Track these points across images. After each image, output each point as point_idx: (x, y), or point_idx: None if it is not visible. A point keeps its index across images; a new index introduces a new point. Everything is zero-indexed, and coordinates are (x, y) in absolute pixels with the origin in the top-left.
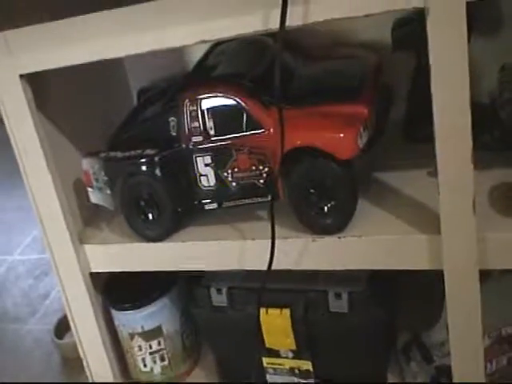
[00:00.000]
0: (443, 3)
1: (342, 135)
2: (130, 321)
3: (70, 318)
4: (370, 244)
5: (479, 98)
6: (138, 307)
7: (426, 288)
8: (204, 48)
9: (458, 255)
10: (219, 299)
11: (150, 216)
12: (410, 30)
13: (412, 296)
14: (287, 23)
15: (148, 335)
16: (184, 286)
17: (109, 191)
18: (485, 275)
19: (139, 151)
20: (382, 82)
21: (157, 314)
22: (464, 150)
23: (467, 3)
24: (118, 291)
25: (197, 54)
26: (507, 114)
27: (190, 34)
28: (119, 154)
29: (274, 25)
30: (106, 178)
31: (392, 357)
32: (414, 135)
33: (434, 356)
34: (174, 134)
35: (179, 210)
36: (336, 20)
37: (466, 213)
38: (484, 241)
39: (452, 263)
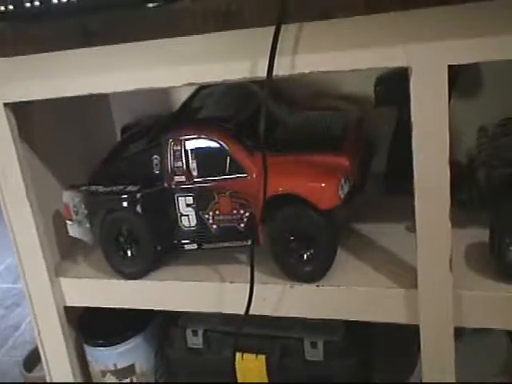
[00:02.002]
0: (426, 64)
1: (323, 185)
2: (102, 357)
3: (41, 351)
4: (347, 294)
5: (458, 158)
6: (112, 344)
7: (402, 340)
8: (190, 89)
9: (434, 311)
10: (195, 341)
11: (129, 253)
12: (393, 86)
13: (387, 347)
14: (274, 72)
15: (120, 373)
16: (160, 325)
17: (88, 225)
18: (457, 331)
19: (121, 187)
20: (364, 135)
21: (130, 352)
22: (442, 207)
23: (449, 65)
24: (92, 326)
25: (183, 94)
26: (484, 174)
27: (177, 76)
28: (101, 189)
29: (262, 73)
30: (85, 212)
31: None
32: (394, 188)
33: None
34: (157, 172)
35: (158, 248)
36: (322, 73)
37: (443, 269)
38: (460, 298)
39: (428, 319)
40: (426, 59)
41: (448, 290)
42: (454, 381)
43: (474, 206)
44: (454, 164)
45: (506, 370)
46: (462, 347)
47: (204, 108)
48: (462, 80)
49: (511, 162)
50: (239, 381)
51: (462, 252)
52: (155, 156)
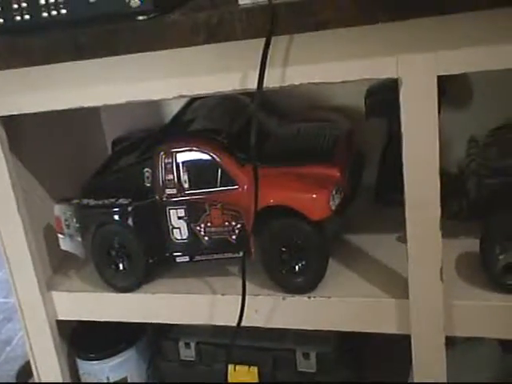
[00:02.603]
0: (415, 75)
1: (314, 196)
2: (95, 371)
3: (33, 365)
4: (339, 305)
5: (448, 168)
6: (105, 358)
7: (395, 350)
8: (182, 101)
9: (425, 321)
10: (187, 353)
11: (121, 266)
12: (383, 98)
13: (381, 357)
14: (265, 84)
15: None
16: (152, 338)
17: (80, 239)
18: (449, 341)
19: (112, 200)
20: (354, 147)
21: (123, 366)
22: (433, 218)
23: (438, 76)
24: (84, 340)
25: (174, 107)
26: (474, 184)
27: (168, 88)
28: (92, 202)
29: (252, 85)
30: (77, 225)
31: None
32: (385, 199)
33: None
34: (149, 185)
35: (150, 261)
36: (312, 84)
37: (434, 279)
38: (451, 308)
39: (419, 328)
40: (416, 70)
41: (439, 299)
42: None
43: (464, 216)
44: (444, 174)
45: (499, 379)
46: (454, 357)
47: (195, 120)
48: (451, 90)
49: (501, 172)
50: None
51: (452, 262)
52: (146, 169)
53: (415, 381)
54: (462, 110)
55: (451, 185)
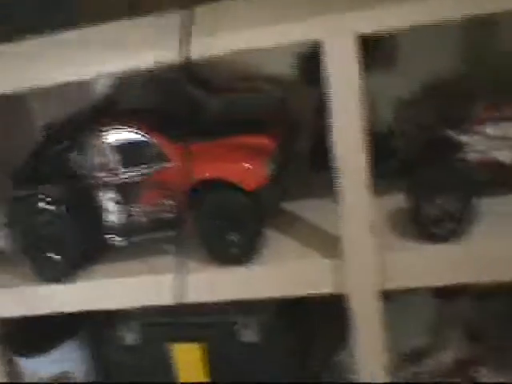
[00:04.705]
0: (336, 36)
1: (248, 166)
2: (35, 367)
3: None
4: (276, 272)
5: (378, 129)
6: (44, 352)
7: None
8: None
9: (359, 278)
10: (131, 338)
11: (55, 256)
12: (313, 65)
13: (324, 320)
14: (190, 56)
15: (55, 381)
16: (93, 327)
17: (9, 230)
18: (388, 294)
19: (43, 188)
20: (287, 115)
21: (64, 358)
22: (361, 177)
23: (362, 37)
24: (21, 336)
25: (103, 88)
26: (402, 143)
27: (88, 67)
28: (21, 192)
29: (177, 58)
30: (5, 218)
31: (306, 380)
32: (319, 165)
33: (345, 378)
34: (80, 169)
35: (86, 247)
36: (239, 52)
37: (365, 236)
38: (383, 262)
39: (354, 286)
40: (336, 31)
41: (371, 256)
42: (383, 345)
43: (394, 173)
44: (372, 134)
45: (435, 326)
46: (393, 309)
47: (124, 100)
48: (378, 52)
49: (427, 130)
50: (180, 372)
51: (384, 218)
52: (77, 153)
53: (354, 336)
54: (389, 71)
55: (380, 145)
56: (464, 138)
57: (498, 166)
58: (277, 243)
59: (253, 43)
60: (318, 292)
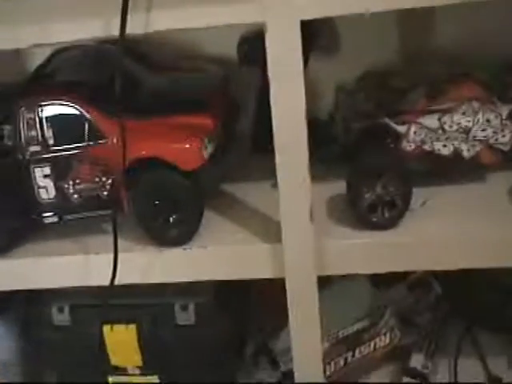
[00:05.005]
0: (279, 20)
1: (186, 146)
2: None
3: None
4: (215, 255)
5: (319, 115)
6: None
7: (274, 296)
8: (45, 54)
9: (297, 263)
10: (61, 318)
11: None
12: (256, 46)
13: (260, 304)
14: (129, 31)
15: None
16: (22, 307)
17: None
18: (326, 281)
19: None
20: (228, 95)
21: None
22: (301, 162)
23: (304, 22)
24: None
25: (38, 60)
26: (342, 129)
27: (23, 36)
28: None
29: (115, 31)
30: None
31: (241, 364)
32: (261, 147)
33: (280, 362)
34: (10, 143)
35: (16, 224)
36: (179, 30)
37: (304, 222)
38: (321, 248)
39: (292, 270)
40: (280, 14)
41: (309, 241)
42: (319, 329)
43: (334, 160)
44: (313, 121)
45: (371, 313)
46: (330, 295)
47: (59, 73)
48: (320, 39)
49: (366, 116)
50: (111, 353)
51: (323, 204)
52: (7, 126)
53: (290, 320)
54: (331, 58)
55: (321, 130)
56: (402, 128)
57: (435, 157)
58: (216, 226)
59: (194, 23)
60: (257, 276)
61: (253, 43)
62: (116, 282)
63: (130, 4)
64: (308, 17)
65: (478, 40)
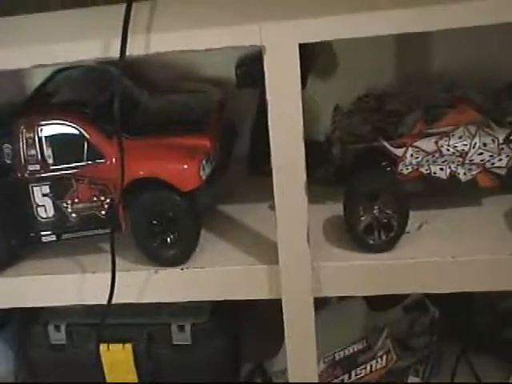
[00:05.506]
0: (277, 43)
1: (184, 167)
2: None
3: None
4: (212, 275)
5: (316, 136)
6: None
7: (270, 317)
8: (46, 74)
9: (294, 284)
10: (57, 337)
11: None
12: (254, 68)
13: (256, 325)
14: (128, 52)
15: None
16: (19, 324)
17: None
18: (322, 302)
19: None
20: (226, 117)
21: None
22: (298, 183)
23: (302, 45)
24: None
25: (38, 80)
26: (338, 150)
27: (26, 57)
28: None
29: (115, 53)
30: None
31: None
32: (258, 169)
33: (276, 383)
34: (9, 161)
35: (13, 242)
36: (179, 52)
37: (301, 243)
38: (318, 270)
39: (289, 292)
40: (278, 38)
41: (306, 262)
42: (315, 351)
43: (331, 181)
44: (311, 142)
45: (367, 335)
46: (326, 317)
47: (59, 93)
48: (318, 61)
49: (363, 138)
50: (107, 372)
51: (320, 226)
52: (6, 145)
53: (287, 341)
54: (328, 79)
55: (318, 152)
56: (399, 151)
57: (431, 180)
58: (214, 246)
59: (194, 46)
60: (254, 297)
61: (251, 65)
62: (113, 301)
63: (131, 26)
64: (306, 40)
65: (474, 64)
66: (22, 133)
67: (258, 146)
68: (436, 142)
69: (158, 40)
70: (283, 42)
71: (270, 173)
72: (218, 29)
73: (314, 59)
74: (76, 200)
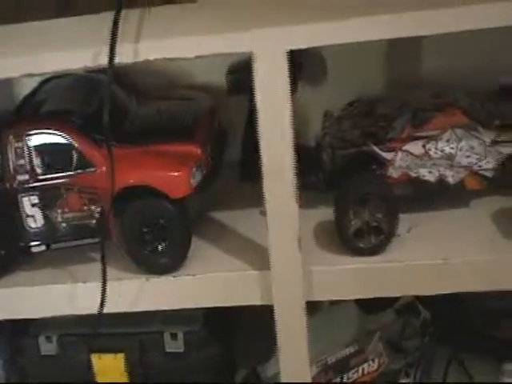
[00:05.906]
0: (266, 49)
1: (174, 174)
2: None
3: None
4: (204, 282)
5: (306, 142)
6: None
7: (262, 322)
8: (34, 83)
9: (285, 289)
10: (48, 348)
11: None
12: (244, 75)
13: (249, 331)
14: (117, 60)
15: None
16: (9, 336)
17: None
18: (314, 307)
19: None
20: (216, 124)
21: None
22: (288, 189)
23: (292, 51)
24: None
25: (26, 89)
26: (328, 156)
27: (14, 66)
28: None
29: (104, 61)
30: None
31: None
32: (249, 175)
33: None
34: None
35: (2, 253)
36: (168, 60)
37: (292, 248)
38: (309, 274)
39: (281, 297)
40: (267, 44)
41: (298, 267)
42: (307, 356)
43: (321, 186)
44: (301, 148)
45: (359, 338)
46: (318, 321)
47: (48, 101)
48: (307, 67)
49: (352, 143)
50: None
51: (310, 231)
52: None
53: (279, 345)
54: (318, 85)
55: (308, 158)
56: (389, 155)
57: (420, 183)
58: (205, 253)
59: (183, 53)
60: (246, 303)
61: (241, 72)
62: (104, 311)
63: (120, 33)
64: (295, 46)
65: (462, 68)
66: (11, 143)
67: (249, 152)
68: (424, 146)
69: (147, 47)
70: (272, 48)
71: (260, 179)
72: (207, 36)
73: (304, 65)
74: (66, 209)
